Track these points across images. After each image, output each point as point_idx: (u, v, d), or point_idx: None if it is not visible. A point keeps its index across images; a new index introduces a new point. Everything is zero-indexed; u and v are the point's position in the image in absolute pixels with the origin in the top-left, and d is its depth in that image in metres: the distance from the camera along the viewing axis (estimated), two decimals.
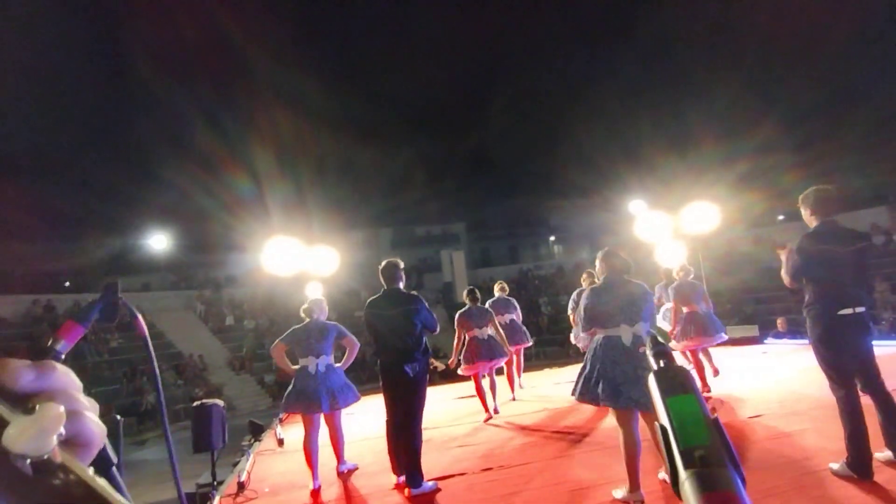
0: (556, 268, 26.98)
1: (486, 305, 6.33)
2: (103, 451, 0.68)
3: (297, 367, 4.32)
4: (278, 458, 5.52)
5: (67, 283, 24.27)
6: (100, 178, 27.64)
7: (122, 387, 15.25)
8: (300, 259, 7.37)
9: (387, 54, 36.82)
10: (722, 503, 0.37)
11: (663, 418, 0.45)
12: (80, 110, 26.98)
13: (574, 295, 6.55)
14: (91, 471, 0.38)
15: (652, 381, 0.49)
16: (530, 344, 7.21)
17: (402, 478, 3.87)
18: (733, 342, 11.49)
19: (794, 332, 11.55)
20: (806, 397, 5.31)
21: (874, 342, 3.26)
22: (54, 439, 0.36)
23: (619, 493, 3.17)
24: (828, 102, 23.87)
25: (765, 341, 11.18)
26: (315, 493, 4.08)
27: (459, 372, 6.05)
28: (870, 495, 2.86)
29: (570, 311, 6.79)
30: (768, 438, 4.10)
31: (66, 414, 0.38)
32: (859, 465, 3.06)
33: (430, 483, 3.84)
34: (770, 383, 6.45)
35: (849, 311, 3.10)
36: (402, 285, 4.05)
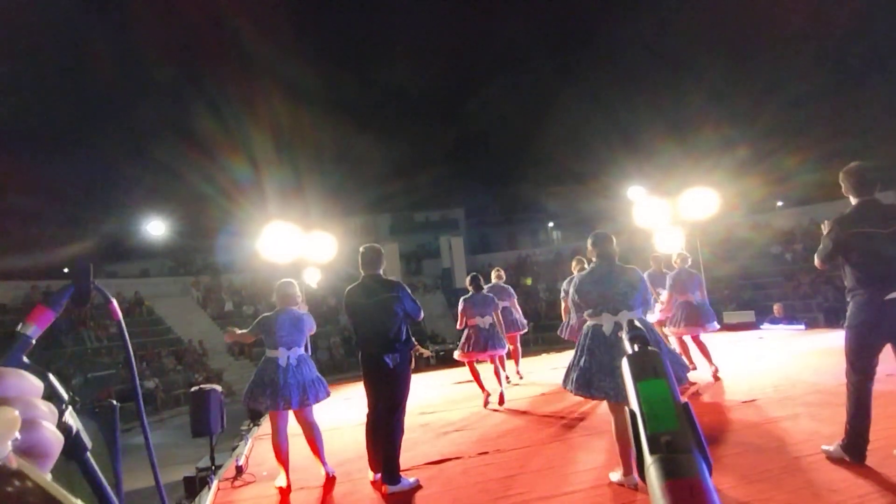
0: (555, 254, 27.00)
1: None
2: (77, 436, 0.68)
3: (262, 357, 4.05)
4: None
5: (66, 270, 24.24)
6: (97, 164, 27.50)
7: (120, 372, 15.32)
8: (298, 245, 7.36)
9: (383, 40, 36.47)
10: (684, 490, 0.36)
11: (633, 403, 0.45)
12: (79, 96, 26.75)
13: (565, 283, 6.47)
14: (49, 477, 0.36)
15: (625, 365, 0.48)
16: (524, 331, 7.10)
17: (379, 475, 3.61)
18: (730, 327, 11.56)
19: (790, 317, 11.61)
20: (800, 382, 5.34)
21: None
22: (8, 445, 0.34)
23: (615, 475, 3.19)
24: (830, 86, 23.70)
25: (761, 327, 11.23)
26: (285, 492, 3.80)
27: (455, 357, 6.03)
28: (860, 478, 2.89)
29: (562, 300, 6.72)
30: (762, 423, 4.12)
31: (22, 422, 0.36)
32: (854, 449, 3.07)
33: (412, 479, 3.59)
34: (765, 368, 6.49)
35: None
36: (381, 271, 3.78)
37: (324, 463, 3.96)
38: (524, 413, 5.48)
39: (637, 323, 0.57)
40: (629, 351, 0.51)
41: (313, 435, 3.94)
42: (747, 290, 17.77)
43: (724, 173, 17.70)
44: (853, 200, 3.14)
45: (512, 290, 6.94)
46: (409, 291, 3.79)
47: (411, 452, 4.32)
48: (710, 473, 0.39)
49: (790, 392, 5.00)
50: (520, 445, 4.29)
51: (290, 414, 3.97)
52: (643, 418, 0.42)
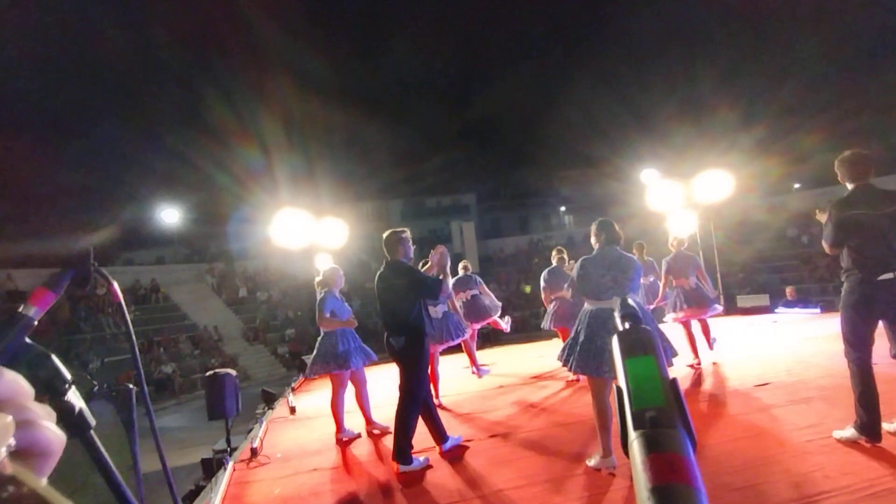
0: (567, 238, 26.85)
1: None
2: (80, 414, 0.70)
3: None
4: (290, 425, 5.65)
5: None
6: (113, 153, 27.78)
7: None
8: (310, 231, 7.40)
9: (393, 25, 36.14)
10: (666, 464, 0.36)
11: (621, 379, 0.45)
12: (95, 84, 26.96)
13: (545, 273, 6.23)
14: (44, 481, 0.37)
15: (615, 342, 0.48)
16: (493, 317, 6.43)
17: (446, 444, 3.84)
18: (744, 311, 11.46)
19: (804, 301, 11.47)
20: (814, 366, 5.30)
21: None
22: (2, 451, 0.34)
23: (592, 461, 3.24)
24: (847, 64, 23.11)
25: (775, 310, 11.11)
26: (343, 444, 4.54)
27: None
28: (874, 461, 2.86)
29: (542, 290, 6.28)
30: (775, 406, 4.10)
31: (18, 423, 0.36)
32: (868, 428, 3.05)
33: (422, 458, 3.69)
34: (778, 352, 6.44)
35: (889, 275, 3.01)
36: (401, 256, 3.79)
37: (367, 420, 4.80)
38: (535, 397, 5.50)
39: (630, 301, 0.57)
40: (620, 328, 0.51)
41: (361, 395, 4.78)
42: (762, 274, 17.58)
43: (740, 155, 17.44)
44: (849, 186, 3.22)
45: (479, 280, 6.47)
46: (421, 274, 3.90)
47: (423, 434, 4.37)
48: (695, 450, 0.39)
49: (803, 375, 4.96)
50: (531, 429, 4.32)
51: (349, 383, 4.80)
52: (629, 394, 0.42)
